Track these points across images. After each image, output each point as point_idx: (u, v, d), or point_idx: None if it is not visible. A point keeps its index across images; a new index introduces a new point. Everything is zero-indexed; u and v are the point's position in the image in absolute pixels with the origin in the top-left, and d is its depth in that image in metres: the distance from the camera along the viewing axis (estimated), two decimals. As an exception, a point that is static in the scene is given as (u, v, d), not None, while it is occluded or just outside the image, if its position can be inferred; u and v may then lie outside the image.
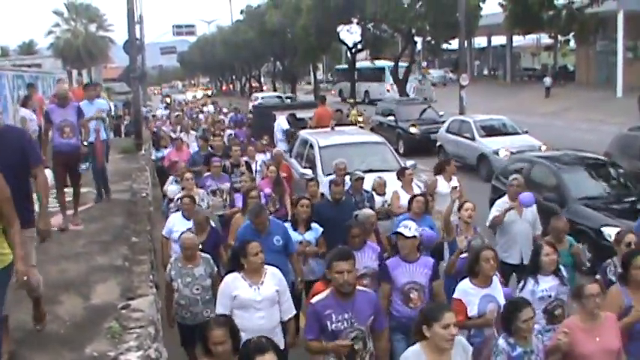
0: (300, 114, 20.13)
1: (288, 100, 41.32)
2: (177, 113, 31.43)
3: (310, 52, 50.09)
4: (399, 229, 6.75)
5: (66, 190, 10.52)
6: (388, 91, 47.53)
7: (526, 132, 21.07)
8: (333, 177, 10.63)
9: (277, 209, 11.04)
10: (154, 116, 29.06)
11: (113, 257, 8.79)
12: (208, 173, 11.96)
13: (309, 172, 13.51)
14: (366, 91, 52.39)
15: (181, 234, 7.85)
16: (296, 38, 50.64)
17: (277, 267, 6.54)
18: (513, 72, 63.42)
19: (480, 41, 70.17)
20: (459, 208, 8.44)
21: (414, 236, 6.70)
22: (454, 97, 33.03)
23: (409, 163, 13.57)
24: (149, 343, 6.03)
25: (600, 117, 31.72)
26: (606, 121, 28.76)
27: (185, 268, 7.40)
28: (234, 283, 6.12)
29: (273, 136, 18.82)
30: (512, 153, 18.93)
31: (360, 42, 46.77)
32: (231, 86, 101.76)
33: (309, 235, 8.59)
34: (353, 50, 47.48)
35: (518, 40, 61.72)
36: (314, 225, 8.71)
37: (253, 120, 25.74)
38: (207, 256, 7.62)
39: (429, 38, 41.25)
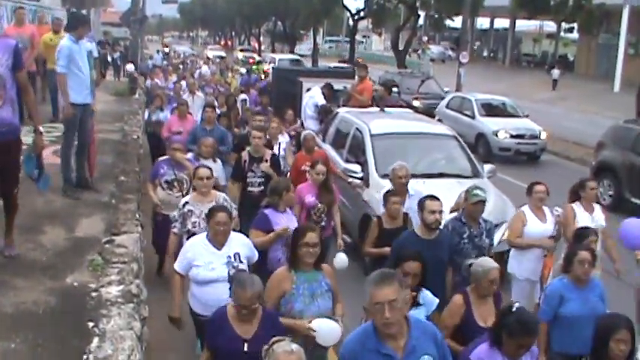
0: (335, 85, 15.57)
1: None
2: (176, 62, 30.63)
3: (312, 15, 49.96)
4: None
5: None
6: None
7: (527, 116, 21.00)
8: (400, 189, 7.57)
9: (323, 228, 7.35)
10: (154, 66, 27.39)
11: (100, 194, 8.74)
12: (163, 157, 8.50)
13: (356, 168, 9.88)
14: None
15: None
16: (299, -1, 50.39)
17: None
18: (513, 56, 63.43)
19: (483, 22, 69.96)
20: None
21: None
22: (451, 74, 32.90)
23: (487, 167, 10.27)
24: (131, 279, 6.00)
25: (595, 109, 31.67)
26: (601, 114, 28.69)
27: None
28: None
29: (298, 109, 14.59)
30: (511, 136, 18.94)
31: (362, 9, 46.28)
32: (229, 42, 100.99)
33: (418, 315, 4.70)
34: (355, 17, 47.02)
35: (520, 24, 61.68)
36: (426, 294, 5.22)
37: (272, 86, 20.06)
38: None
39: (432, 12, 41.01)
